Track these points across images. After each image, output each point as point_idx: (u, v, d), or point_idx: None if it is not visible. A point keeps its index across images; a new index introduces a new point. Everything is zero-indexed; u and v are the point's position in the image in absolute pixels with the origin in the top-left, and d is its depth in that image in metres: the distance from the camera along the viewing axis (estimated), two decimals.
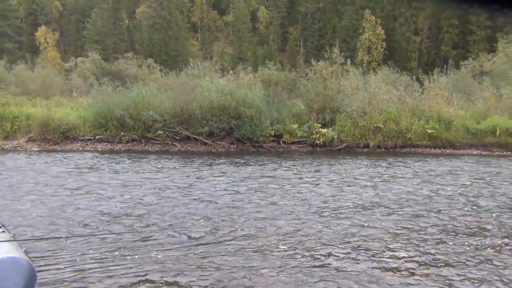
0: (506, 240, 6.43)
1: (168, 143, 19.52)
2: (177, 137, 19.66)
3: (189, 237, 6.46)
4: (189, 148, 19.28)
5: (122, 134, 19.44)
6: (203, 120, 19.39)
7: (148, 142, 19.57)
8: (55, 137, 19.42)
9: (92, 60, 40.01)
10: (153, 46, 55.36)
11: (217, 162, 15.17)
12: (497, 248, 6.05)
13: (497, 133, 19.96)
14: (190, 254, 5.65)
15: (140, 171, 12.83)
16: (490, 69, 29.51)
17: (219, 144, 19.60)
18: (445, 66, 32.59)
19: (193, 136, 19.56)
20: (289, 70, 25.18)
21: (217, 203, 8.70)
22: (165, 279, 4.85)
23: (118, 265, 5.24)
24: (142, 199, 9.01)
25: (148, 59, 40.67)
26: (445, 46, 55.32)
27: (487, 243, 6.23)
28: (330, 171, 13.31)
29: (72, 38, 61.14)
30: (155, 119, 19.26)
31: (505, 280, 4.89)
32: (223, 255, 5.59)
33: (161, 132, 19.51)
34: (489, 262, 5.43)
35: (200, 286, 4.68)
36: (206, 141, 19.54)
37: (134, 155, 16.88)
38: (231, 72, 24.92)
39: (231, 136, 19.65)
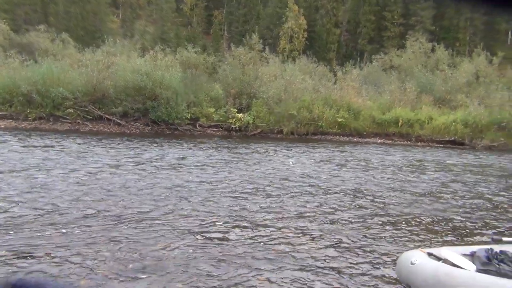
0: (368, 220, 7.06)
1: (79, 122, 18.80)
2: (89, 117, 18.99)
3: (86, 215, 6.37)
4: (101, 128, 18.72)
5: (28, 111, 18.39)
6: (117, 100, 18.90)
7: (57, 121, 18.70)
8: None
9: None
10: (69, 20, 52.23)
11: (125, 142, 14.88)
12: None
13: (400, 123, 21.53)
14: (80, 231, 5.60)
15: (42, 150, 12.27)
16: (399, 64, 31.53)
17: (133, 125, 19.23)
18: (358, 59, 34.38)
19: (106, 116, 19.00)
20: (211, 54, 25.17)
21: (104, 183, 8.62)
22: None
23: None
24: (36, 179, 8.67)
25: (63, 33, 38.44)
26: (362, 40, 57.94)
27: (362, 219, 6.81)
28: (234, 155, 13.63)
29: None
30: (65, 96, 18.43)
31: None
32: (122, 230, 5.60)
33: (72, 111, 18.73)
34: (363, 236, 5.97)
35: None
36: (119, 121, 19.07)
37: (40, 134, 16.07)
38: (151, 52, 24.39)
39: (146, 118, 19.35)
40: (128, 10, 64.16)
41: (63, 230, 5.53)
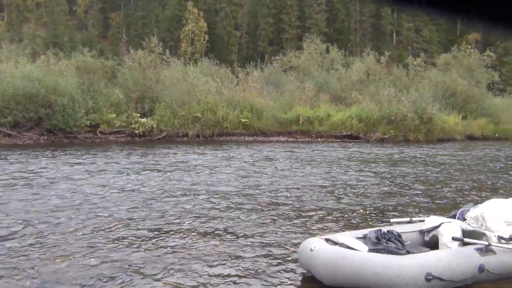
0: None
1: None
2: None
3: None
4: None
5: None
6: (6, 110, 17.47)
7: None
8: None
9: None
10: None
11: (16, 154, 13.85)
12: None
13: (300, 121, 22.47)
14: None
15: None
16: (297, 65, 32.87)
17: (26, 135, 17.88)
18: (259, 60, 35.26)
19: None
20: (110, 58, 24.20)
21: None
22: None
23: None
24: None
25: None
26: (262, 42, 59.55)
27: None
28: (144, 161, 13.36)
29: None
30: None
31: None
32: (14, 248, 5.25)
33: None
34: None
35: None
36: (10, 132, 17.65)
37: None
38: (42, 57, 22.89)
39: (40, 127, 18.10)
40: (14, 13, 59.56)
41: None
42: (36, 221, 6.41)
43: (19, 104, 17.50)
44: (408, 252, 4.46)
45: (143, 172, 11.09)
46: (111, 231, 6.06)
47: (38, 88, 17.54)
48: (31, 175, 10.30)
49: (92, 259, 4.95)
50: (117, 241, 5.61)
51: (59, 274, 4.52)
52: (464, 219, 5.20)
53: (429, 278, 4.09)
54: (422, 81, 30.61)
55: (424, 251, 4.61)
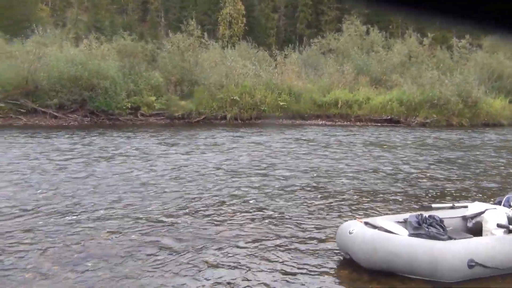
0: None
1: (11, 116, 17.86)
2: (22, 110, 18.08)
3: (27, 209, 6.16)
4: (37, 122, 17.91)
5: None
6: (52, 92, 18.13)
7: None
8: None
9: None
10: None
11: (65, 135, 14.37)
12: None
13: (339, 105, 22.18)
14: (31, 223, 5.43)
15: None
16: (336, 47, 32.30)
17: (70, 117, 18.53)
18: (297, 43, 34.89)
19: (41, 109, 18.19)
20: (149, 42, 24.58)
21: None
22: None
23: None
24: None
25: None
26: (300, 24, 58.69)
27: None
28: (185, 142, 13.58)
29: None
30: None
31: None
32: (67, 223, 5.48)
33: (3, 105, 17.76)
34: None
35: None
36: (56, 114, 18.32)
37: None
38: (85, 41, 23.50)
39: (84, 109, 18.71)
40: None
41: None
42: (86, 198, 6.66)
43: (64, 87, 18.12)
44: (450, 238, 4.35)
45: (192, 153, 11.29)
46: (156, 211, 6.22)
47: (81, 71, 18.09)
48: (85, 153, 10.69)
49: (133, 235, 5.11)
50: (165, 219, 5.75)
51: (105, 249, 4.70)
52: (510, 206, 5.02)
53: (472, 264, 3.99)
54: (467, 63, 29.46)
55: (467, 238, 4.50)
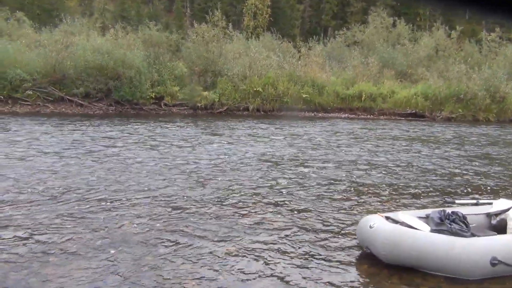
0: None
1: (39, 104, 18.25)
2: (50, 98, 18.46)
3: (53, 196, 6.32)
4: (63, 110, 18.26)
5: None
6: (78, 81, 18.45)
7: (16, 103, 18.07)
8: None
9: None
10: None
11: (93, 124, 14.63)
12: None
13: (363, 98, 21.94)
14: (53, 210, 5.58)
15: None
16: (362, 39, 31.90)
17: (96, 106, 18.82)
18: (322, 35, 34.54)
19: (68, 97, 18.53)
20: (174, 32, 24.70)
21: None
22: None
23: None
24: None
25: (17, 12, 36.85)
26: (325, 16, 58.07)
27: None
28: (209, 132, 13.68)
29: None
30: (23, 78, 17.81)
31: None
32: (91, 209, 5.61)
33: (31, 93, 18.16)
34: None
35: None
36: (82, 102, 18.64)
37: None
38: (111, 30, 23.80)
39: (109, 98, 18.96)
40: None
41: (26, 211, 5.49)
42: (111, 186, 6.80)
43: (90, 76, 18.40)
44: (473, 235, 4.29)
45: (213, 143, 11.38)
46: (177, 198, 6.30)
47: (107, 60, 18.33)
48: (114, 141, 10.90)
49: (158, 224, 5.20)
50: (193, 208, 5.83)
51: (127, 236, 4.80)
52: None
53: (495, 262, 3.93)
54: (496, 57, 28.71)
55: (491, 235, 4.43)
